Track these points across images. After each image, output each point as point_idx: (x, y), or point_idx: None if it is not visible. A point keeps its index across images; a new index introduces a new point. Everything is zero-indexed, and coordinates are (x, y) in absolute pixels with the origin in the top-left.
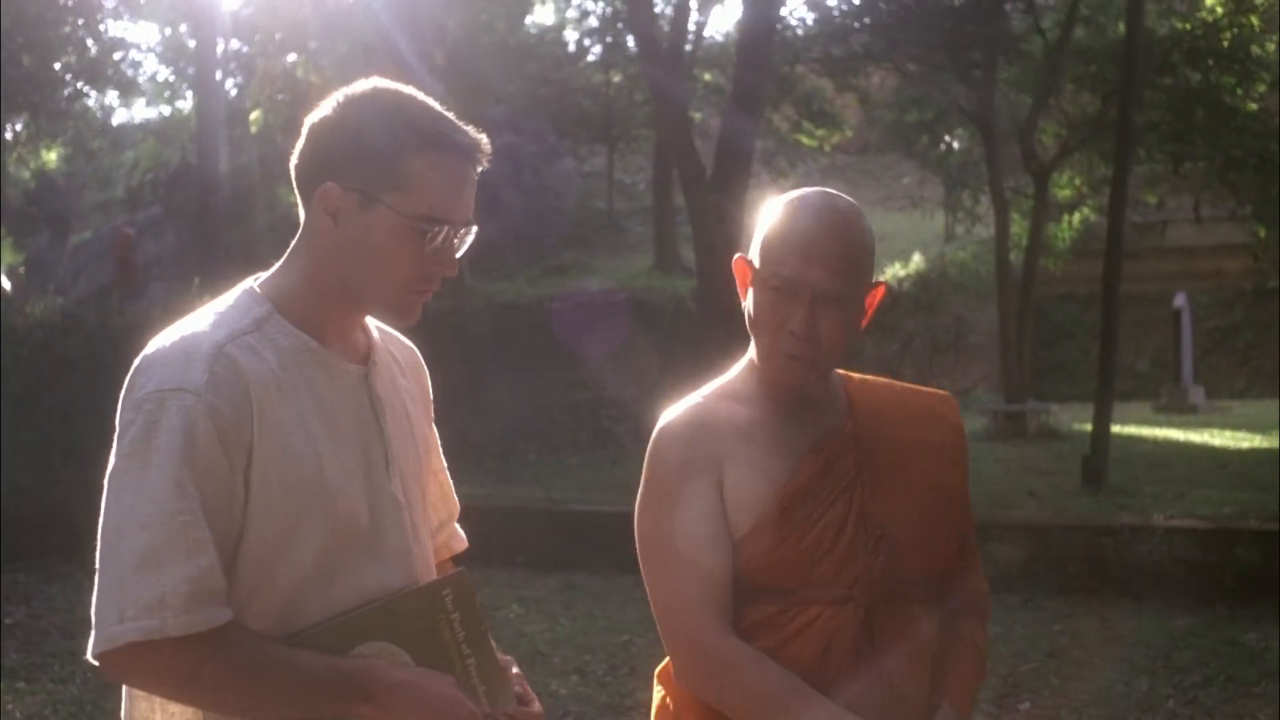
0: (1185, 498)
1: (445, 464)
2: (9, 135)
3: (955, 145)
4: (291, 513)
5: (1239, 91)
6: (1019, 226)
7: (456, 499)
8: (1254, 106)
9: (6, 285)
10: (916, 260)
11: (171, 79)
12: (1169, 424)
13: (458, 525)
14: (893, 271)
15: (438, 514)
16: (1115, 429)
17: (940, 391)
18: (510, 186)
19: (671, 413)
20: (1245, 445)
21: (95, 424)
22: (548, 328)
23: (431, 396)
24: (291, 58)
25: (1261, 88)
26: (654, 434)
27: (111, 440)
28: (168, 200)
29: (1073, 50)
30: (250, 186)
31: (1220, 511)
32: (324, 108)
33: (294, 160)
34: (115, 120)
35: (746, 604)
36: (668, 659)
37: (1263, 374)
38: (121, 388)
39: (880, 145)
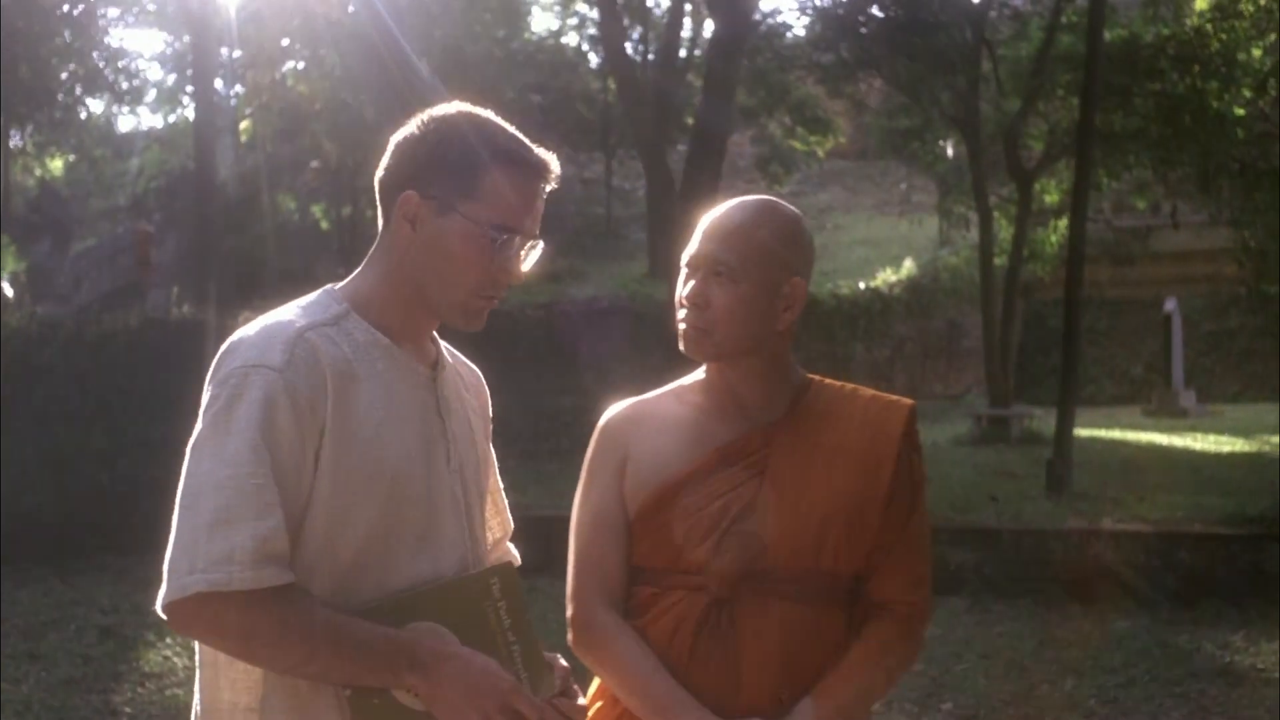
0: (1145, 501)
1: (501, 484)
2: (15, 143)
3: (950, 150)
4: (354, 493)
5: (1226, 97)
6: (1007, 232)
7: (511, 518)
8: (1241, 111)
9: (9, 292)
10: (908, 265)
11: (171, 85)
12: (1156, 428)
13: (510, 544)
14: (883, 277)
15: (492, 530)
16: (1101, 433)
17: (898, 399)
18: None
19: (610, 409)
20: (1226, 449)
21: (71, 431)
22: (532, 334)
23: (491, 417)
24: (296, 64)
25: (1247, 93)
26: None
27: (88, 445)
28: (167, 208)
29: (1057, 56)
30: (251, 194)
31: (1173, 515)
32: (410, 125)
33: (378, 174)
34: (121, 128)
35: (635, 584)
36: None
37: (1257, 378)
38: (94, 396)
39: (878, 151)
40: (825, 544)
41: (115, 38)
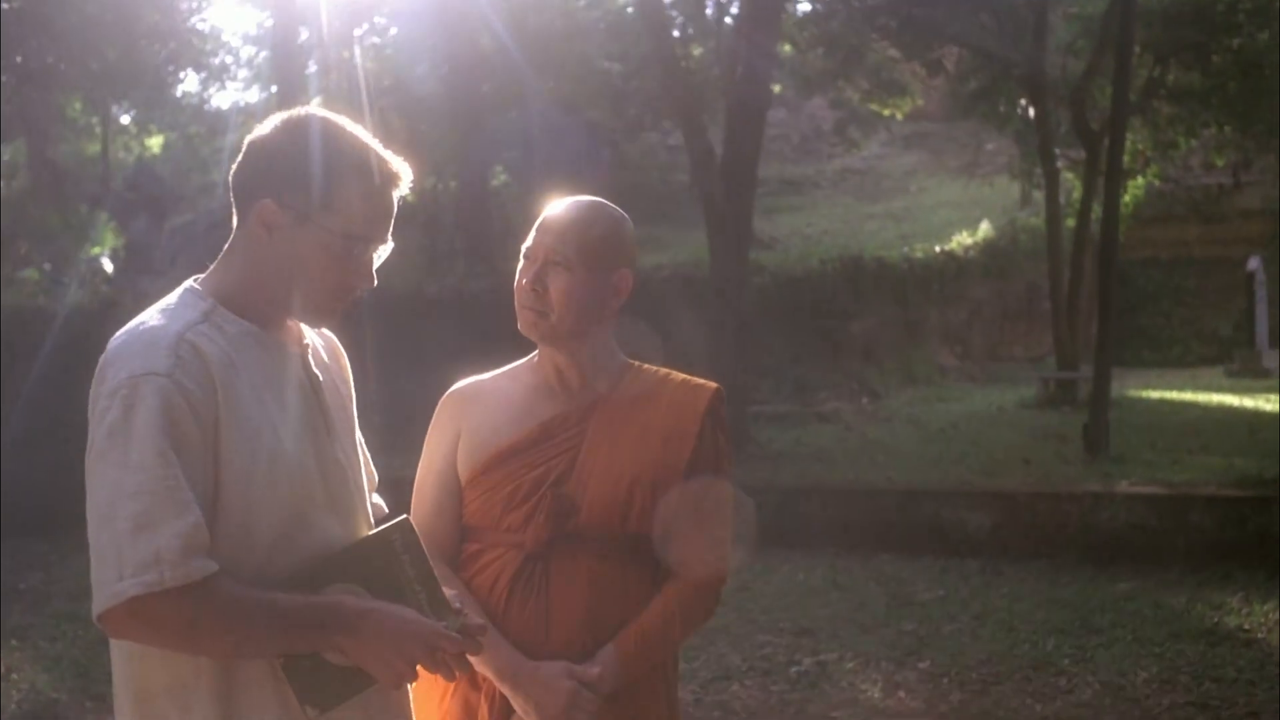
0: (1179, 464)
1: (363, 438)
2: (122, 120)
3: (1030, 110)
4: (258, 479)
5: None
6: (1080, 192)
7: (375, 471)
8: None
9: (108, 267)
10: (984, 228)
11: (261, 62)
12: (1234, 389)
13: (376, 495)
14: (959, 239)
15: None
16: (1171, 395)
17: (705, 383)
18: (588, 164)
19: (452, 387)
20: None
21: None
22: None
23: (351, 379)
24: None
25: None
26: None
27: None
28: None
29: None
30: None
31: (1199, 477)
32: (265, 127)
33: (233, 172)
34: (219, 104)
35: (465, 540)
36: None
37: None
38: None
39: (964, 112)
40: (632, 508)
41: (203, 16)
